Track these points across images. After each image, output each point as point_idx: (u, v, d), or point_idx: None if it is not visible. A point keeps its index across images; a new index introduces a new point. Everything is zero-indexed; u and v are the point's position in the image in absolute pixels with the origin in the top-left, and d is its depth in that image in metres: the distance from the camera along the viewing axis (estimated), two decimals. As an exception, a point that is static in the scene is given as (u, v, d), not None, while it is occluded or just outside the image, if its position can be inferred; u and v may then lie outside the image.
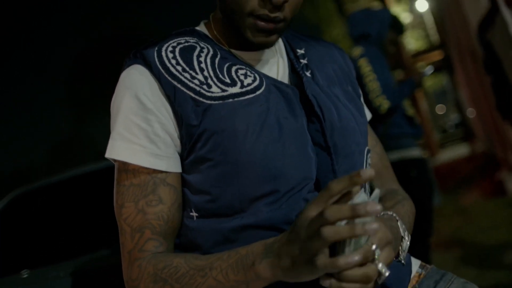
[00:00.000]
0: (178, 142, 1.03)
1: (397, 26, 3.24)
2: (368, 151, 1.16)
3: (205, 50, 1.08)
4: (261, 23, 1.01)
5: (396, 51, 3.52)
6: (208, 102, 0.99)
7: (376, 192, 0.82)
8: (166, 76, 1.01)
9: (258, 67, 1.11)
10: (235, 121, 0.98)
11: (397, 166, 2.92)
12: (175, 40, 1.09)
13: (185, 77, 1.01)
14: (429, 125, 14.78)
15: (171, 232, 1.03)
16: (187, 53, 1.06)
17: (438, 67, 15.56)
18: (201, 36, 1.13)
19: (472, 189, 7.78)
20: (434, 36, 15.02)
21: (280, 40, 1.20)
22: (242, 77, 1.04)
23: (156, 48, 1.06)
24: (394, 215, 1.04)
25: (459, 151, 14.14)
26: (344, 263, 0.72)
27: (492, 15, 2.51)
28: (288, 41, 1.21)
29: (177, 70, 1.02)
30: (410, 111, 3.16)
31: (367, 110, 1.30)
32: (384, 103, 2.92)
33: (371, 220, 0.75)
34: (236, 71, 1.05)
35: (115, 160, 1.05)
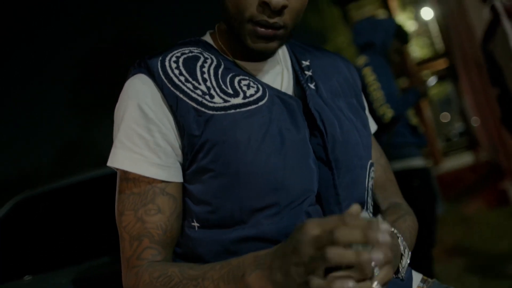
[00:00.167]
0: (179, 152, 1.03)
1: (402, 35, 3.24)
2: (371, 165, 1.16)
3: (209, 61, 1.08)
4: (261, 29, 1.00)
5: (401, 59, 3.51)
6: (210, 112, 0.99)
7: (379, 219, 0.81)
8: (169, 86, 1.02)
9: (262, 78, 1.11)
10: (236, 132, 0.98)
11: (400, 176, 2.92)
12: (179, 50, 1.09)
13: (188, 87, 1.02)
14: (433, 133, 14.75)
15: (170, 241, 1.03)
16: (190, 64, 1.06)
17: (443, 76, 15.53)
18: (206, 46, 1.13)
19: (475, 198, 7.75)
20: (439, 45, 14.98)
21: (285, 51, 1.20)
22: (245, 88, 1.04)
23: (160, 58, 1.06)
24: (395, 231, 1.03)
25: (463, 159, 14.08)
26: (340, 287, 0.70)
27: (493, 26, 2.51)
28: (294, 52, 1.21)
29: (180, 80, 1.02)
30: (414, 120, 3.15)
31: (372, 121, 1.30)
32: (388, 112, 2.91)
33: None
34: (239, 82, 1.05)
35: (117, 168, 1.06)
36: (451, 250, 4.96)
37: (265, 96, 1.04)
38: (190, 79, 1.03)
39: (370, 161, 1.16)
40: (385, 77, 3.02)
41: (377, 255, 0.69)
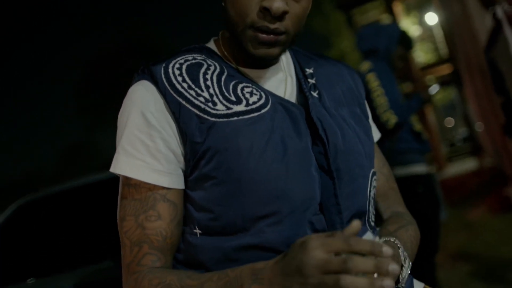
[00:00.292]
0: (181, 159, 1.03)
1: (405, 41, 3.24)
2: (374, 174, 1.15)
3: (212, 68, 1.08)
4: (262, 35, 1.01)
5: (405, 64, 3.51)
6: (213, 119, 0.99)
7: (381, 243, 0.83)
8: (172, 93, 1.02)
9: (265, 85, 1.11)
10: (239, 140, 0.98)
11: (403, 182, 2.92)
12: (183, 57, 1.09)
13: (191, 94, 1.02)
14: (437, 138, 14.73)
15: (170, 247, 1.04)
16: (193, 71, 1.06)
17: (447, 81, 15.52)
18: (210, 53, 1.13)
19: (479, 204, 7.73)
20: (443, 50, 14.98)
21: (289, 58, 1.20)
22: (247, 95, 1.04)
23: (164, 65, 1.06)
24: (396, 241, 1.04)
25: (467, 165, 14.06)
26: None
27: (496, 34, 2.50)
28: (298, 60, 1.21)
29: (183, 87, 1.03)
30: (417, 126, 3.15)
31: (376, 130, 1.29)
32: (391, 118, 2.91)
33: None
34: (242, 89, 1.05)
35: (119, 174, 1.06)
36: (454, 256, 4.95)
37: (268, 103, 1.04)
38: (193, 86, 1.03)
39: (373, 170, 1.15)
40: (388, 83, 3.02)
41: (389, 284, 0.72)
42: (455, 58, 12.74)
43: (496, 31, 2.48)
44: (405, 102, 3.10)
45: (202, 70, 1.07)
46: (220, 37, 1.17)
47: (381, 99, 2.94)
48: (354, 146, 1.09)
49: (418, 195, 2.96)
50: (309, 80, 1.16)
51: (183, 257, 1.06)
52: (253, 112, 1.02)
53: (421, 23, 15.70)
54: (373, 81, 2.98)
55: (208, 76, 1.06)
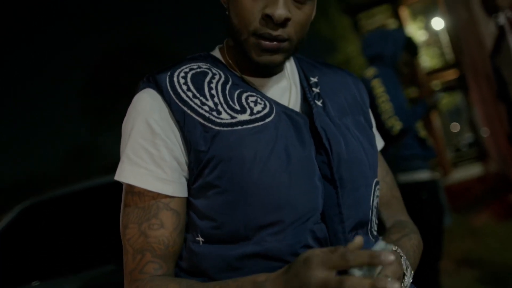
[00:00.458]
0: (185, 167, 1.04)
1: (411, 48, 3.24)
2: (377, 183, 1.16)
3: (217, 76, 1.09)
4: (265, 43, 1.01)
5: (411, 70, 3.51)
6: (217, 128, 1.00)
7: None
8: (177, 101, 1.03)
9: (269, 94, 1.11)
10: (243, 149, 0.98)
11: (408, 188, 2.93)
12: (188, 65, 1.10)
13: (195, 103, 1.02)
14: (442, 143, 14.70)
15: (172, 255, 1.04)
16: (198, 79, 1.07)
17: (453, 86, 15.49)
18: (215, 62, 1.14)
19: (483, 210, 7.71)
20: (449, 55, 14.96)
21: (294, 67, 1.21)
22: (252, 104, 1.05)
23: (169, 73, 1.07)
24: (398, 250, 1.04)
25: (472, 170, 14.03)
26: None
27: (499, 41, 2.50)
28: (302, 68, 1.21)
29: (187, 96, 1.03)
30: (422, 132, 3.15)
31: (379, 138, 1.30)
32: (396, 124, 2.91)
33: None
34: (247, 98, 1.06)
35: (123, 181, 1.07)
36: (459, 262, 4.94)
37: (272, 112, 1.05)
38: (198, 95, 1.04)
39: (376, 180, 1.15)
40: (394, 89, 3.02)
41: None
42: (461, 63, 12.71)
43: (500, 38, 2.48)
44: (410, 108, 3.10)
45: (207, 79, 1.07)
46: (224, 45, 1.18)
47: (386, 105, 2.94)
48: (357, 156, 1.10)
49: (422, 202, 2.96)
50: (314, 89, 1.16)
51: (186, 265, 1.07)
52: (257, 121, 1.02)
53: (427, 28, 15.69)
54: (378, 87, 2.99)
55: (213, 85, 1.06)
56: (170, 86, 1.04)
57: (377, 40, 3.24)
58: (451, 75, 14.59)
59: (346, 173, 1.06)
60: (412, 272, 1.04)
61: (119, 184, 1.09)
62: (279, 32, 1.00)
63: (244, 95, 1.07)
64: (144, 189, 1.02)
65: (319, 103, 1.13)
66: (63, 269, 2.47)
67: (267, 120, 1.03)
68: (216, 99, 1.04)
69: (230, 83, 1.08)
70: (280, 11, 0.97)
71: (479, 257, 4.93)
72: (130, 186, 1.05)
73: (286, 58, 1.07)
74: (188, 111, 1.02)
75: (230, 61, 1.14)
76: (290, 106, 1.11)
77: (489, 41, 4.34)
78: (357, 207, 1.08)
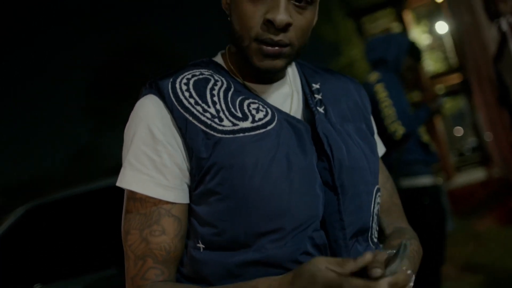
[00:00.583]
0: (187, 173, 1.04)
1: (415, 52, 3.24)
2: (378, 190, 1.16)
3: (219, 83, 1.09)
4: (266, 48, 1.01)
5: (414, 75, 3.51)
6: (219, 135, 1.00)
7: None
8: (179, 108, 1.03)
9: (271, 101, 1.12)
10: (244, 156, 0.99)
11: (410, 193, 2.93)
12: (190, 72, 1.10)
13: (197, 110, 1.03)
14: (445, 147, 14.66)
15: (173, 261, 1.05)
16: (200, 86, 1.07)
17: (456, 90, 15.46)
18: (217, 68, 1.14)
19: (486, 215, 7.69)
20: (453, 59, 14.92)
21: (296, 73, 1.21)
22: (254, 112, 1.05)
23: (171, 80, 1.07)
24: (411, 243, 1.05)
25: (475, 175, 13.97)
26: None
27: (502, 47, 2.50)
28: (304, 74, 1.22)
29: (189, 103, 1.04)
30: (425, 137, 3.15)
31: (381, 145, 1.30)
32: (399, 129, 2.91)
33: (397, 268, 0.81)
34: (248, 105, 1.06)
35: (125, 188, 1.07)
36: (461, 267, 4.93)
37: (274, 120, 1.05)
38: (200, 102, 1.04)
39: (377, 187, 1.16)
40: (397, 94, 3.02)
41: None
42: (464, 68, 12.70)
43: (502, 44, 2.49)
44: (413, 113, 3.10)
45: (209, 85, 1.08)
46: (227, 51, 1.18)
47: (389, 110, 2.94)
48: (359, 162, 1.10)
49: (424, 207, 2.95)
50: (316, 95, 1.17)
51: (187, 271, 1.07)
52: (259, 129, 1.03)
53: (431, 32, 15.65)
54: (381, 92, 2.99)
55: (215, 92, 1.07)
56: (172, 92, 1.05)
57: (381, 44, 3.24)
58: (454, 79, 14.56)
59: (348, 180, 1.06)
60: (413, 277, 1.04)
61: (122, 187, 1.09)
62: (280, 37, 1.01)
63: (246, 102, 1.07)
64: (145, 195, 1.03)
65: (321, 109, 1.14)
66: (65, 272, 2.48)
67: (269, 127, 1.03)
68: (218, 106, 1.04)
69: (232, 90, 1.09)
70: (281, 16, 0.98)
71: (481, 262, 4.92)
72: (132, 192, 1.05)
73: (288, 63, 1.07)
74: (190, 118, 1.02)
75: (232, 67, 1.14)
76: (292, 113, 1.11)
77: (493, 45, 4.34)
78: (358, 214, 1.08)
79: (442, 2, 13.42)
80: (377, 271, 0.78)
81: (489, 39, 5.48)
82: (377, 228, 1.17)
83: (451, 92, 15.46)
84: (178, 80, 1.07)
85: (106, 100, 25.83)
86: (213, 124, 1.02)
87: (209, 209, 1.02)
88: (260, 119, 1.04)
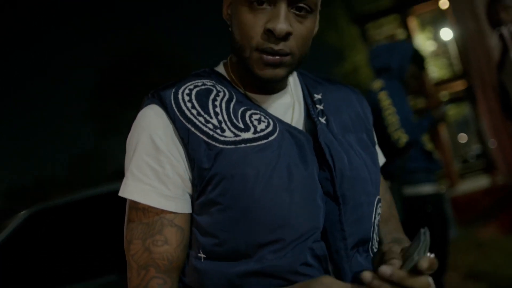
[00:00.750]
0: (189, 184, 1.05)
1: (419, 60, 3.24)
2: (379, 201, 1.16)
3: (221, 94, 1.09)
4: (267, 57, 1.02)
5: (418, 82, 3.51)
6: (221, 146, 1.01)
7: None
8: (181, 119, 1.03)
9: (272, 111, 1.12)
10: (245, 167, 0.99)
11: (413, 201, 2.92)
12: (193, 82, 1.11)
13: (200, 121, 1.03)
14: (449, 154, 14.65)
15: (175, 270, 1.05)
16: (203, 97, 1.07)
17: (461, 97, 15.45)
18: (219, 78, 1.15)
19: (490, 223, 7.67)
20: (458, 66, 14.93)
21: (297, 83, 1.22)
22: (255, 122, 1.06)
23: (173, 90, 1.08)
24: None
25: (479, 182, 13.94)
26: None
27: (503, 55, 2.50)
28: (306, 85, 1.22)
29: (192, 114, 1.04)
30: (429, 145, 3.14)
31: (381, 155, 1.30)
32: (402, 137, 2.91)
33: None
34: (250, 116, 1.07)
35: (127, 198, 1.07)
36: (464, 275, 4.91)
37: (276, 131, 1.05)
38: (202, 113, 1.05)
39: (378, 197, 1.16)
40: (400, 101, 3.02)
41: None
42: (469, 74, 12.69)
43: (504, 52, 2.48)
44: (417, 121, 3.10)
45: (211, 96, 1.08)
46: (228, 61, 1.19)
47: (392, 118, 2.94)
48: (360, 173, 1.10)
49: (427, 215, 2.95)
50: (317, 106, 1.17)
51: (188, 280, 1.07)
52: (261, 140, 1.03)
53: (436, 38, 15.67)
54: (385, 100, 2.99)
55: (217, 103, 1.07)
56: (175, 103, 1.05)
57: (385, 52, 3.24)
58: (459, 86, 14.56)
59: (349, 190, 1.06)
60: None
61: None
62: (281, 46, 1.01)
63: (248, 113, 1.07)
64: (148, 205, 1.03)
65: (322, 120, 1.14)
66: (68, 277, 2.48)
67: (270, 138, 1.04)
68: (220, 117, 1.05)
69: (234, 100, 1.09)
70: (281, 26, 0.99)
71: (484, 270, 4.90)
72: (134, 202, 1.05)
73: (289, 72, 1.08)
74: (193, 129, 1.03)
75: (234, 77, 1.15)
76: (293, 123, 1.12)
77: (497, 53, 4.34)
78: (359, 224, 1.08)
79: (446, 9, 13.44)
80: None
81: (493, 46, 5.48)
82: (378, 239, 1.17)
83: (456, 98, 15.47)
84: (181, 90, 1.08)
85: (111, 104, 25.88)
86: (215, 135, 1.02)
87: (210, 219, 1.02)
88: (261, 130, 1.04)
